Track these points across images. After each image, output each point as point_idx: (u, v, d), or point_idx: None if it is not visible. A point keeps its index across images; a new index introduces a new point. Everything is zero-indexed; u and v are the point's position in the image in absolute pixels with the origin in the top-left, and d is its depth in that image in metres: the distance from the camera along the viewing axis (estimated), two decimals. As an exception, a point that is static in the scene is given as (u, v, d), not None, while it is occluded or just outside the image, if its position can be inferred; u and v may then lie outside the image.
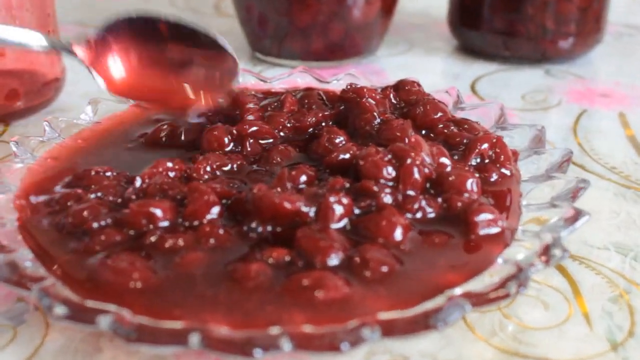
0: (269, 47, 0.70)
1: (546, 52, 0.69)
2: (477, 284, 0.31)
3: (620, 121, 0.57)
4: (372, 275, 0.31)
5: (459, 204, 0.36)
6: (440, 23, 0.82)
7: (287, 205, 0.34)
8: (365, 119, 0.43)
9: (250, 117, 0.45)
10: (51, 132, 0.45)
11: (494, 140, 0.41)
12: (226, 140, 0.43)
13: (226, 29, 0.84)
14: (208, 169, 0.40)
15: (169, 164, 0.39)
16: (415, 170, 0.37)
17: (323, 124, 0.46)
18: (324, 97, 0.49)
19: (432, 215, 0.36)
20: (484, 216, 0.35)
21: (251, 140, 0.43)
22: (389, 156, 0.37)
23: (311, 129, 0.45)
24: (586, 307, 0.35)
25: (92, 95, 0.50)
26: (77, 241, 0.34)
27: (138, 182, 0.38)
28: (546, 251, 0.32)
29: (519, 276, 0.30)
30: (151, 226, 0.35)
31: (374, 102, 0.45)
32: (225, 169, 0.40)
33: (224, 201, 0.36)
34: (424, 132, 0.44)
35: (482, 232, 0.34)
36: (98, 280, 0.31)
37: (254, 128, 0.43)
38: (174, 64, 0.46)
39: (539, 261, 0.31)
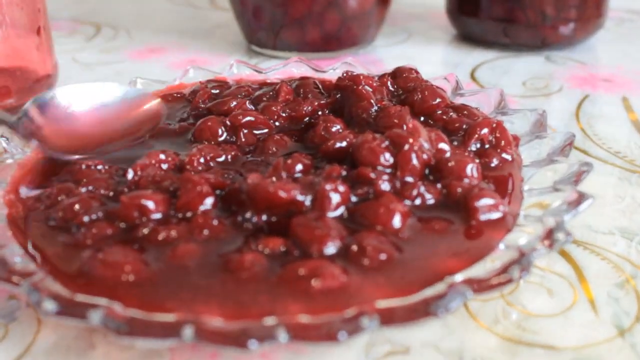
0: (264, 39, 0.69)
1: (546, 39, 0.68)
2: (478, 270, 0.30)
3: (623, 105, 0.56)
4: (371, 263, 0.30)
5: (459, 189, 0.35)
6: (439, 12, 0.81)
7: (282, 194, 0.33)
8: (362, 107, 0.42)
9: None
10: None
11: (494, 125, 0.40)
12: (220, 131, 0.42)
13: (222, 22, 0.83)
14: (202, 160, 0.39)
15: (162, 156, 0.39)
16: (413, 156, 0.36)
17: (319, 112, 0.45)
18: (320, 86, 0.48)
19: (431, 201, 0.35)
20: (485, 201, 0.34)
21: (245, 131, 0.42)
22: (386, 142, 0.36)
23: (307, 118, 0.44)
24: (591, 293, 0.34)
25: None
26: (68, 235, 0.33)
27: (130, 174, 0.37)
28: (549, 235, 0.31)
29: (521, 261, 0.29)
30: (143, 219, 0.34)
31: (370, 90, 0.44)
32: (219, 160, 0.39)
33: (218, 192, 0.35)
34: (422, 118, 0.43)
35: (483, 217, 0.34)
36: (89, 274, 0.30)
37: (248, 118, 0.43)
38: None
39: (541, 246, 0.31)
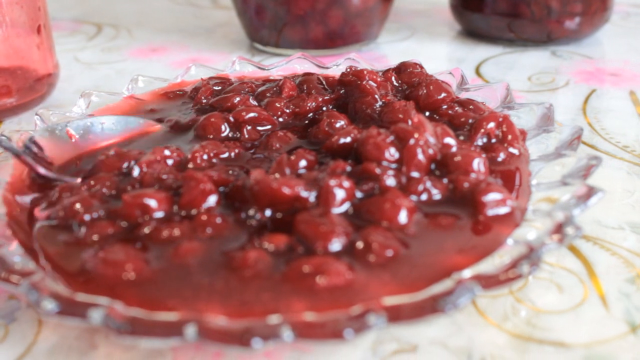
0: (267, 37, 0.68)
1: (552, 33, 0.68)
2: (486, 266, 0.29)
3: (631, 99, 0.56)
4: (377, 259, 0.30)
5: (466, 184, 0.34)
6: (442, 8, 0.81)
7: (286, 190, 0.33)
8: (366, 102, 0.42)
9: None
10: (42, 126, 0.44)
11: (501, 119, 0.40)
12: (223, 127, 0.41)
13: (224, 21, 0.83)
14: (205, 157, 0.38)
15: (167, 152, 0.38)
16: (419, 150, 0.35)
17: (323, 108, 0.44)
18: (324, 82, 0.48)
19: (438, 197, 0.34)
20: (492, 196, 0.33)
21: (249, 127, 0.41)
22: (392, 137, 0.36)
23: (311, 114, 0.44)
24: (602, 288, 0.33)
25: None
26: (69, 234, 0.33)
27: (136, 171, 0.37)
28: (559, 230, 0.30)
29: (530, 256, 0.29)
30: (146, 217, 0.33)
31: (375, 85, 0.43)
32: (223, 156, 0.39)
33: (221, 189, 0.35)
34: (427, 113, 0.43)
35: (491, 212, 0.33)
36: (90, 273, 0.30)
37: (252, 114, 0.42)
38: None
39: (551, 240, 0.30)
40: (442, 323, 0.31)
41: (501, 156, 0.38)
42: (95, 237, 0.32)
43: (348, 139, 0.38)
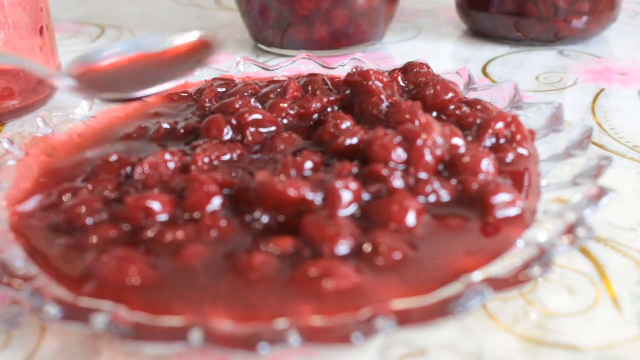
0: (271, 38, 0.68)
1: (559, 33, 0.67)
2: (496, 269, 0.29)
3: (640, 99, 0.55)
4: (385, 262, 0.29)
5: (475, 185, 0.34)
6: (448, 7, 0.80)
7: (292, 192, 0.32)
8: (372, 103, 0.41)
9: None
10: (45, 128, 0.43)
11: (509, 120, 0.39)
12: (226, 129, 0.41)
13: (228, 22, 0.83)
14: (206, 160, 0.38)
15: (168, 156, 0.38)
16: (427, 151, 0.35)
17: (329, 109, 0.44)
18: (329, 83, 0.47)
19: (446, 198, 0.34)
20: (502, 197, 0.33)
21: (252, 129, 0.41)
22: (399, 138, 0.35)
23: (316, 115, 0.43)
24: (614, 291, 0.33)
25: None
26: (71, 238, 0.32)
27: (138, 173, 0.36)
28: (570, 231, 0.30)
29: (541, 259, 0.28)
30: (149, 220, 0.33)
31: (381, 85, 0.43)
32: (225, 159, 0.38)
33: (226, 191, 0.34)
34: (435, 114, 0.42)
35: (500, 214, 0.32)
36: (93, 278, 0.29)
37: (255, 116, 0.41)
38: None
39: (562, 242, 0.29)
40: (451, 327, 0.30)
41: (510, 157, 0.37)
42: (98, 241, 0.32)
43: (354, 140, 0.37)
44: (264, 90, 0.47)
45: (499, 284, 0.27)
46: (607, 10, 0.67)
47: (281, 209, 0.32)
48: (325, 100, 0.44)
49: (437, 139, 0.36)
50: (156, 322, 0.27)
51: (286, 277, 0.29)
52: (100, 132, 0.45)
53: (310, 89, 0.46)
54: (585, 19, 0.66)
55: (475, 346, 0.30)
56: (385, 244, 0.30)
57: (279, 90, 0.46)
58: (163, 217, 0.33)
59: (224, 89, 0.48)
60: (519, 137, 0.38)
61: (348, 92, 0.44)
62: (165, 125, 0.44)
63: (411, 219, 0.32)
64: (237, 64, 0.54)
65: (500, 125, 0.39)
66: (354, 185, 0.33)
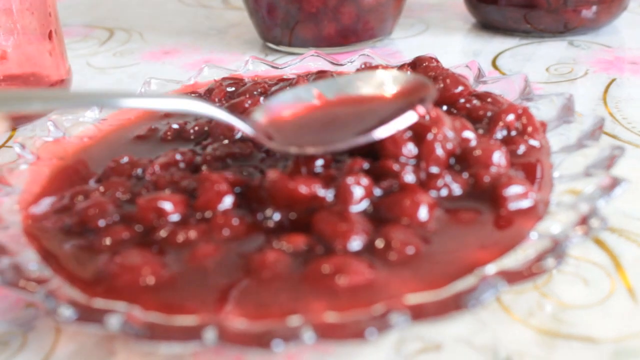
0: (279, 36, 0.68)
1: (569, 23, 0.66)
2: (510, 261, 0.29)
3: (652, 88, 0.55)
4: (397, 257, 0.29)
5: (487, 178, 0.34)
6: (456, 1, 0.80)
7: (303, 189, 0.32)
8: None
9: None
10: (56, 132, 0.44)
11: (520, 111, 0.39)
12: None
13: (236, 21, 0.83)
14: (217, 154, 0.38)
15: (179, 155, 0.38)
16: (438, 145, 0.34)
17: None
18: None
19: (458, 192, 0.34)
20: (514, 189, 0.33)
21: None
22: (409, 133, 0.35)
23: (326, 113, 0.43)
24: (629, 281, 0.33)
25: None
26: (84, 240, 0.32)
27: (149, 174, 0.36)
28: (583, 222, 0.30)
29: (555, 250, 0.28)
30: (161, 220, 0.33)
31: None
32: (236, 157, 0.38)
33: (237, 190, 0.34)
34: (445, 107, 0.42)
35: (513, 206, 0.32)
36: (107, 279, 0.29)
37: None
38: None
39: (576, 233, 0.29)
40: (466, 320, 0.30)
41: (521, 149, 0.37)
42: (110, 242, 0.32)
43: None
44: (273, 89, 0.47)
45: (513, 277, 0.27)
46: (617, 0, 0.66)
47: (292, 207, 0.32)
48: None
49: (447, 132, 0.35)
50: (170, 321, 0.27)
51: (299, 274, 0.29)
52: (111, 135, 0.45)
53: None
54: (594, 8, 0.66)
55: (490, 339, 0.29)
56: (398, 239, 0.30)
57: (288, 87, 0.46)
58: (175, 217, 0.33)
59: (233, 88, 0.48)
60: (530, 128, 0.38)
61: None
62: (175, 126, 0.44)
63: (423, 214, 0.32)
64: (245, 62, 0.54)
65: (511, 117, 0.39)
66: (365, 180, 0.33)
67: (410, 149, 0.35)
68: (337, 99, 0.40)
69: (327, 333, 0.25)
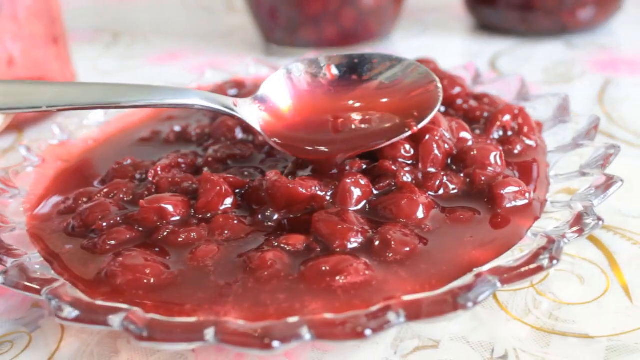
0: (281, 38, 0.69)
1: (565, 24, 0.67)
2: (506, 260, 0.29)
3: (648, 88, 0.55)
4: (395, 256, 0.30)
5: (483, 178, 0.34)
6: (455, 3, 0.81)
7: (302, 190, 0.33)
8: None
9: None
10: (61, 135, 0.44)
11: (516, 112, 0.39)
12: (236, 130, 0.41)
13: (238, 24, 0.83)
14: (217, 156, 0.38)
15: (180, 157, 0.38)
16: (435, 146, 0.35)
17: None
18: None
19: (455, 191, 0.34)
20: (510, 189, 0.33)
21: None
22: (407, 134, 0.36)
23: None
24: (625, 279, 0.33)
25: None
26: (87, 241, 0.33)
27: (151, 176, 0.37)
28: (578, 221, 0.30)
29: (550, 248, 0.28)
30: (163, 221, 0.33)
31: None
32: (235, 158, 0.39)
33: (237, 190, 0.35)
34: (443, 108, 0.42)
35: (509, 205, 0.33)
36: (110, 279, 0.30)
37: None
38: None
39: (571, 232, 0.30)
40: (463, 318, 0.31)
41: (518, 148, 0.38)
42: (113, 243, 0.32)
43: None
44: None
45: (510, 275, 0.27)
46: (612, 0, 0.67)
47: (292, 207, 0.33)
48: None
49: (444, 133, 0.36)
50: (171, 321, 0.27)
51: (298, 273, 0.29)
52: (115, 137, 0.46)
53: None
54: (590, 9, 0.66)
55: (487, 337, 0.30)
56: (395, 238, 0.30)
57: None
58: (176, 218, 0.34)
59: (235, 91, 0.49)
60: (526, 128, 0.39)
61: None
62: (177, 128, 0.44)
63: (420, 213, 0.32)
64: (247, 65, 0.54)
65: (507, 117, 0.39)
66: (363, 181, 0.33)
67: (407, 149, 0.35)
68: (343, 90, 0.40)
69: (326, 332, 0.26)
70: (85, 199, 0.36)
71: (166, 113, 0.49)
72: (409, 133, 0.35)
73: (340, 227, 0.31)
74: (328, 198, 0.33)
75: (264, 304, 0.28)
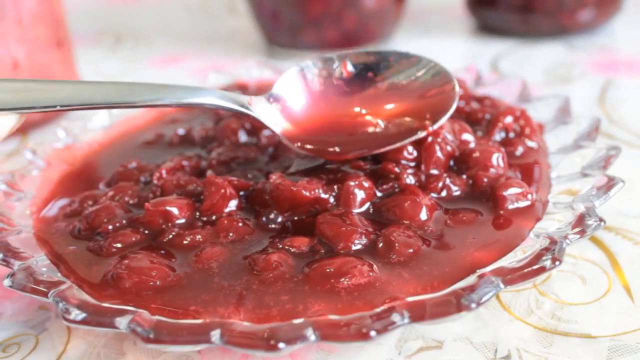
0: (283, 40, 0.69)
1: (565, 25, 0.67)
2: (509, 261, 0.29)
3: (648, 88, 0.55)
4: (398, 258, 0.30)
5: (485, 179, 0.34)
6: (455, 5, 0.81)
7: (306, 192, 0.33)
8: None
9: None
10: (66, 138, 0.45)
11: (518, 113, 0.40)
12: (240, 132, 0.42)
13: (240, 27, 0.83)
14: (222, 159, 0.39)
15: (184, 160, 0.39)
16: (437, 148, 0.35)
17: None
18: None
19: (457, 193, 0.34)
20: (512, 190, 0.33)
21: (266, 132, 0.42)
22: (409, 136, 0.36)
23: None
24: (626, 279, 0.33)
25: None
26: (93, 244, 0.33)
27: (156, 178, 0.37)
28: (580, 222, 0.30)
29: (553, 249, 0.29)
30: (168, 224, 0.34)
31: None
32: (240, 160, 0.39)
33: (241, 193, 0.35)
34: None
35: (511, 206, 0.33)
36: (116, 282, 0.30)
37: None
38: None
39: (573, 233, 0.30)
40: (466, 319, 0.31)
41: (520, 150, 0.38)
42: (119, 246, 0.32)
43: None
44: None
45: (513, 276, 0.28)
46: (612, 1, 0.67)
47: (296, 209, 0.33)
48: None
49: (447, 135, 0.36)
50: (177, 323, 0.27)
51: (303, 275, 0.29)
52: (120, 140, 0.46)
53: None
54: (590, 10, 0.66)
55: (490, 337, 0.30)
56: (399, 240, 0.30)
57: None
58: (181, 221, 0.34)
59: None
60: (527, 130, 0.39)
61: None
62: (181, 131, 0.45)
63: (423, 215, 0.32)
64: (249, 68, 0.54)
65: (509, 119, 0.39)
66: (367, 183, 0.33)
67: (410, 151, 0.35)
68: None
69: (331, 333, 0.26)
70: (90, 202, 0.36)
71: (170, 116, 0.49)
72: (425, 134, 0.35)
73: (344, 229, 0.31)
74: (332, 200, 0.33)
75: (269, 305, 0.28)
